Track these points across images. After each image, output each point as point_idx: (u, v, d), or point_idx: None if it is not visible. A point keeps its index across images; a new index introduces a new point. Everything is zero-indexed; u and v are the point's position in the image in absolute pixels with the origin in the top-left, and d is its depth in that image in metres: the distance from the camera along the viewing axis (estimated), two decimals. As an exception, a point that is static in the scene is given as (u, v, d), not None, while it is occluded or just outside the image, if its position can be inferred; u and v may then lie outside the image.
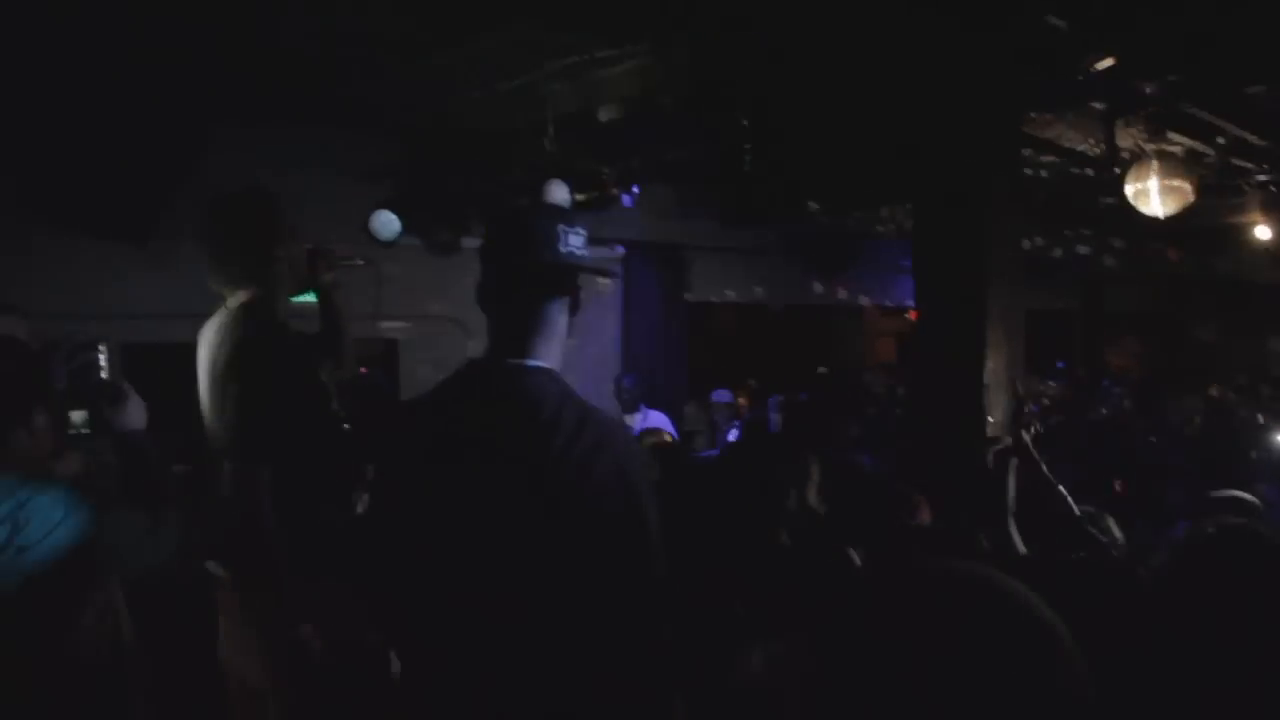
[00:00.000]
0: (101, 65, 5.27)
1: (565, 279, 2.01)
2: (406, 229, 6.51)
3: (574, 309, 2.05)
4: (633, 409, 7.93)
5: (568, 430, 1.84)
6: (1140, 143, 6.84)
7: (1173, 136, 6.90)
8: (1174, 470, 5.47)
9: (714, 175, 5.65)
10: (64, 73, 5.19)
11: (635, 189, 6.56)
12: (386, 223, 6.48)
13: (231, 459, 2.87)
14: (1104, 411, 7.57)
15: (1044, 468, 3.68)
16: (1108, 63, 4.00)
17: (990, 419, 4.77)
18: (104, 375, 3.49)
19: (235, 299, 3.02)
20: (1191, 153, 7.29)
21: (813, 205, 5.19)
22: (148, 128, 5.86)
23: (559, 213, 2.20)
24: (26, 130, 5.43)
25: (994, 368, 4.80)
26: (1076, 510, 3.70)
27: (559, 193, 5.70)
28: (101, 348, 3.37)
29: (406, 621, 2.00)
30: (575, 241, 1.99)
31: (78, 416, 3.58)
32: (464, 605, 1.86)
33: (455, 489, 1.87)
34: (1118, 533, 3.78)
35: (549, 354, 1.99)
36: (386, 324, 7.43)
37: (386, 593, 2.06)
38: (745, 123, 4.93)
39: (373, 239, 6.43)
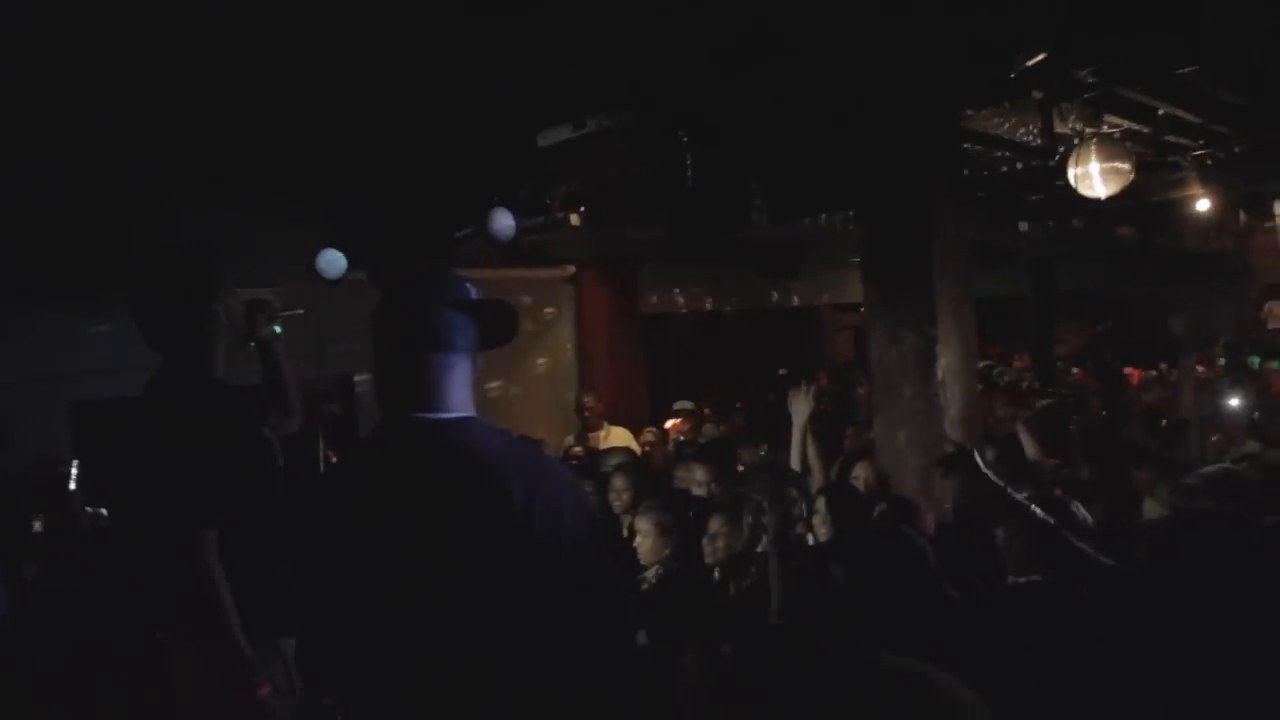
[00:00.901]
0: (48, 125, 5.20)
1: (458, 334, 1.99)
2: (353, 266, 6.44)
3: (475, 369, 2.04)
4: (596, 427, 7.90)
5: (525, 482, 1.84)
6: (1077, 127, 6.93)
7: (1109, 119, 7.00)
8: (1137, 450, 5.50)
9: (658, 190, 5.64)
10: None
11: (582, 208, 6.52)
12: (332, 261, 6.41)
13: (174, 523, 2.79)
14: (1063, 393, 7.64)
15: (995, 481, 3.65)
16: (1039, 58, 4.01)
17: (949, 413, 4.80)
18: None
19: (171, 358, 2.96)
20: (1128, 133, 7.39)
21: (757, 216, 5.16)
22: (91, 183, 5.79)
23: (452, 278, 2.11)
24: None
25: (946, 363, 4.82)
26: (1042, 515, 3.68)
27: (504, 220, 5.67)
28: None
29: (367, 684, 1.94)
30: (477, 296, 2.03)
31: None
32: (433, 665, 1.83)
33: (414, 552, 1.85)
34: (1085, 515, 3.79)
35: (464, 402, 1.99)
36: (340, 362, 7.33)
37: (343, 661, 2.00)
38: (684, 138, 4.91)
39: (319, 278, 6.37)
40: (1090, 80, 5.78)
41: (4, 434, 5.65)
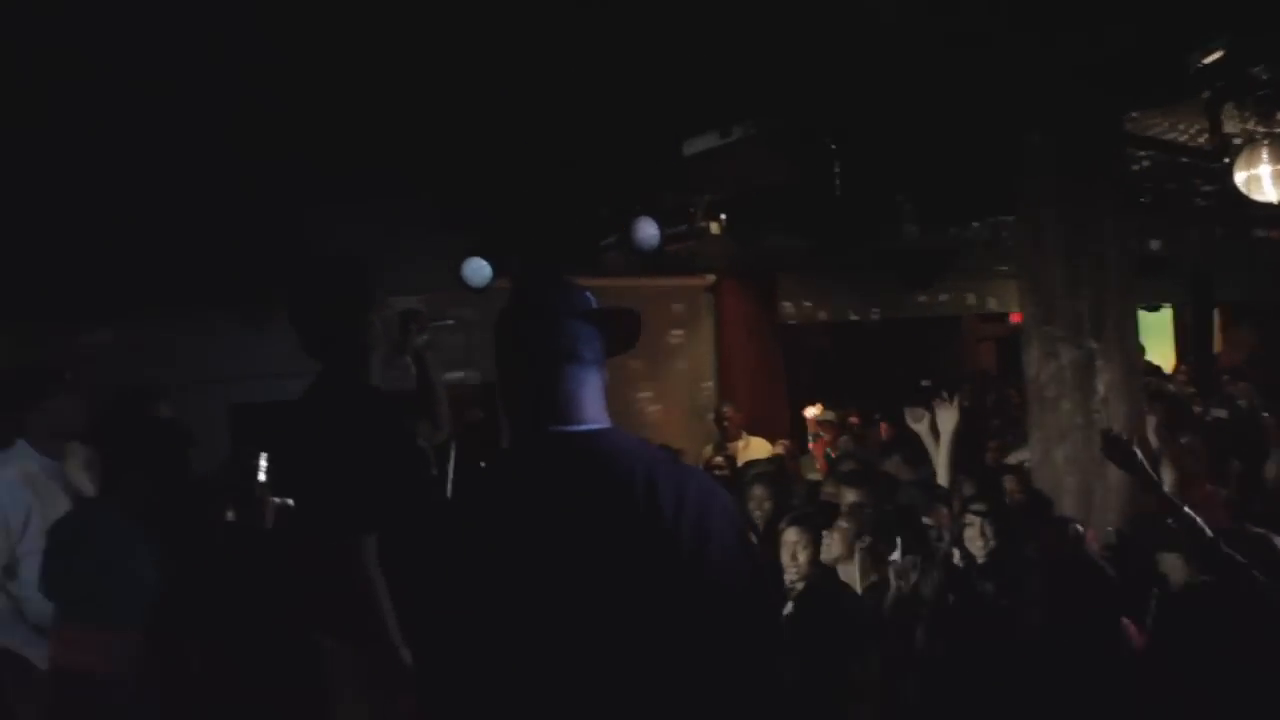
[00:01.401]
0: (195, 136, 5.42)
1: (587, 345, 1.94)
2: (498, 273, 6.53)
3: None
4: (735, 437, 7.85)
5: (669, 496, 1.79)
6: (1248, 127, 6.56)
7: (1280, 119, 6.62)
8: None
9: (801, 199, 5.57)
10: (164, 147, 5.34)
11: (723, 217, 6.49)
12: (478, 269, 6.51)
13: (334, 529, 2.85)
14: (1223, 413, 7.21)
15: (1150, 475, 3.49)
16: (1216, 55, 3.80)
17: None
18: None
19: (328, 365, 3.03)
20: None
21: (907, 225, 5.03)
22: (246, 192, 6.03)
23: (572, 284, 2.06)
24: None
25: (1109, 378, 4.61)
26: (1209, 532, 3.49)
27: (648, 229, 5.67)
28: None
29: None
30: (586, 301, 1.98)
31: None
32: (586, 684, 1.77)
33: (562, 573, 1.78)
34: None
35: (600, 413, 1.93)
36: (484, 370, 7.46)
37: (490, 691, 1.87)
38: (832, 146, 4.82)
39: (465, 286, 6.48)
40: (1265, 77, 5.50)
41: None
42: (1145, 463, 3.40)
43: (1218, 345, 12.70)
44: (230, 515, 3.44)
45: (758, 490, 5.34)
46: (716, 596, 1.77)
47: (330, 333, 3.02)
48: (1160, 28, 3.85)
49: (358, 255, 3.36)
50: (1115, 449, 3.43)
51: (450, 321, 3.69)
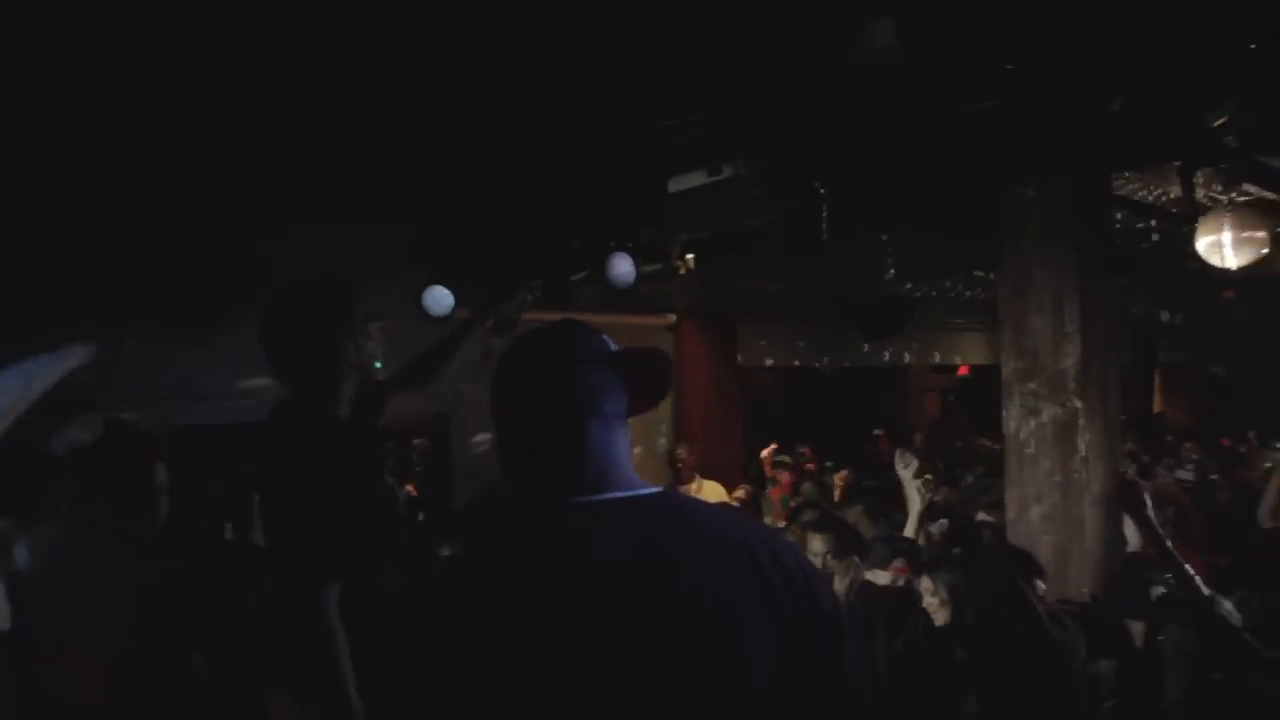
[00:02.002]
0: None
1: (613, 396, 1.63)
2: (459, 303, 6.35)
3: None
4: (688, 479, 7.71)
5: (775, 570, 1.49)
6: (1211, 194, 6.66)
7: (1244, 187, 6.73)
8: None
9: (777, 242, 5.49)
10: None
11: (689, 256, 6.39)
12: (439, 298, 6.33)
13: (293, 573, 2.63)
14: (1188, 475, 7.28)
15: (1158, 530, 3.46)
16: (1223, 120, 3.79)
17: (1090, 491, 4.54)
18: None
19: (297, 391, 2.83)
20: (1260, 201, 7.11)
21: (890, 274, 4.98)
22: (196, 205, 5.79)
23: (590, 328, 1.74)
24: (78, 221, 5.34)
25: (1090, 439, 4.57)
26: (1205, 590, 3.47)
27: (623, 265, 5.54)
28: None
29: None
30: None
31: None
32: None
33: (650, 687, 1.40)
34: (1231, 609, 3.53)
35: (635, 475, 1.60)
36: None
37: None
38: (821, 190, 4.75)
39: (426, 315, 6.29)
40: (1235, 146, 5.57)
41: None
42: (1153, 516, 3.36)
43: (1157, 406, 12.94)
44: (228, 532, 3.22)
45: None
46: (838, 673, 1.49)
47: (304, 357, 2.83)
48: (1167, 90, 3.82)
49: (339, 275, 3.16)
50: (1129, 497, 3.39)
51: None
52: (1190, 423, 11.82)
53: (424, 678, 1.46)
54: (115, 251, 5.65)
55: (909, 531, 5.05)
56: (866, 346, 10.53)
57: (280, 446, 2.77)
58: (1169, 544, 3.45)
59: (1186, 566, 3.34)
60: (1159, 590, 3.96)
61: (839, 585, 4.36)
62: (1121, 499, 3.49)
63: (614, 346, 1.66)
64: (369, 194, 6.13)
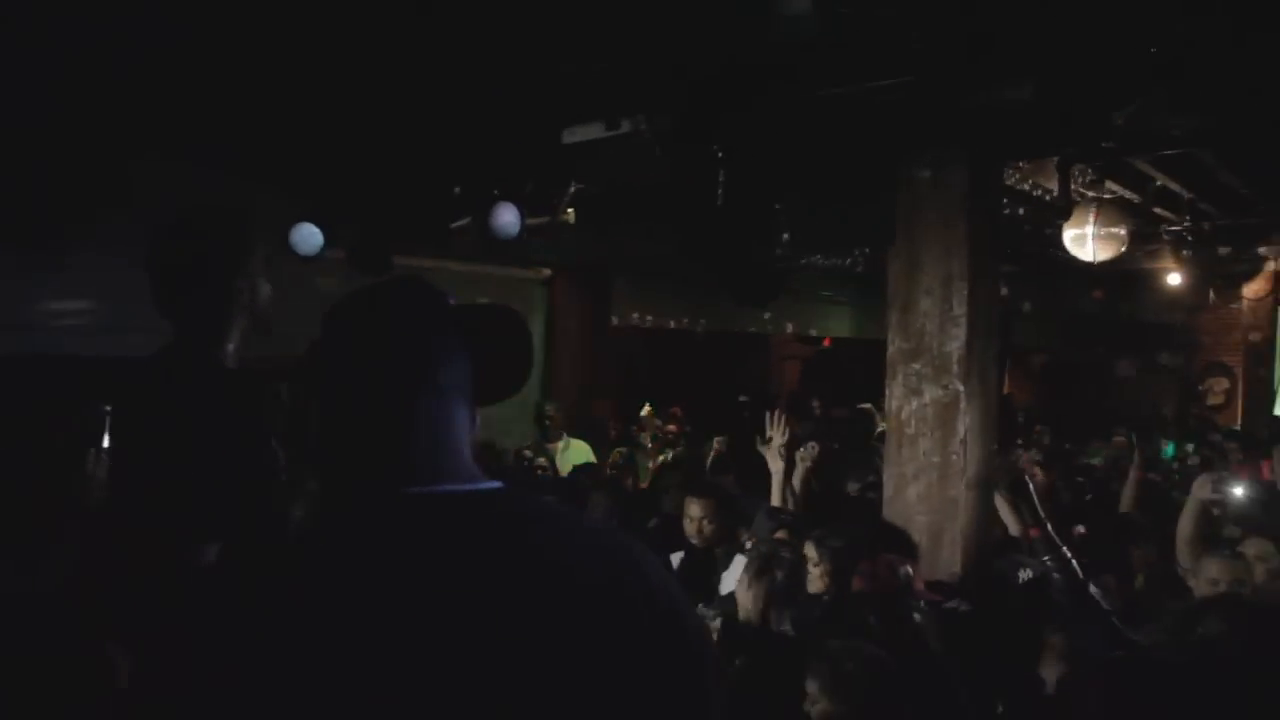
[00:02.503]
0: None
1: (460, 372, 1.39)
2: (330, 243, 6.03)
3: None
4: (556, 438, 7.59)
5: (630, 592, 1.25)
6: (1079, 189, 6.86)
7: (1109, 184, 6.95)
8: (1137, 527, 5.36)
9: (670, 202, 5.39)
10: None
11: (571, 210, 6.22)
12: (307, 236, 5.99)
13: (171, 531, 2.39)
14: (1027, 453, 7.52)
15: (1041, 515, 3.55)
16: (1128, 109, 3.84)
17: (966, 473, 4.60)
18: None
19: (180, 335, 2.58)
20: (1119, 200, 7.37)
21: (781, 247, 4.92)
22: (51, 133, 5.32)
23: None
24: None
25: (971, 421, 4.63)
26: (1081, 574, 3.55)
27: (507, 215, 5.33)
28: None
29: None
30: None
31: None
32: None
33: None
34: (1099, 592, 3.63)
35: (475, 467, 1.35)
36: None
37: None
38: (720, 154, 4.65)
39: (292, 253, 5.95)
40: (1108, 145, 5.73)
41: None
42: (1036, 500, 3.44)
43: (1006, 387, 13.45)
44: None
45: (598, 499, 5.13)
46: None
47: (191, 286, 2.58)
48: (1073, 84, 3.84)
49: (240, 207, 2.90)
50: (1017, 481, 3.48)
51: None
52: (1033, 405, 12.34)
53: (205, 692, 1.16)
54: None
55: (774, 500, 5.02)
56: (745, 320, 10.59)
57: (160, 390, 2.53)
58: (1049, 527, 3.53)
59: (1065, 549, 3.42)
60: (1027, 574, 4.04)
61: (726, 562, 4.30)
62: (1010, 483, 3.54)
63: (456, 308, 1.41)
64: (233, 120, 5.75)
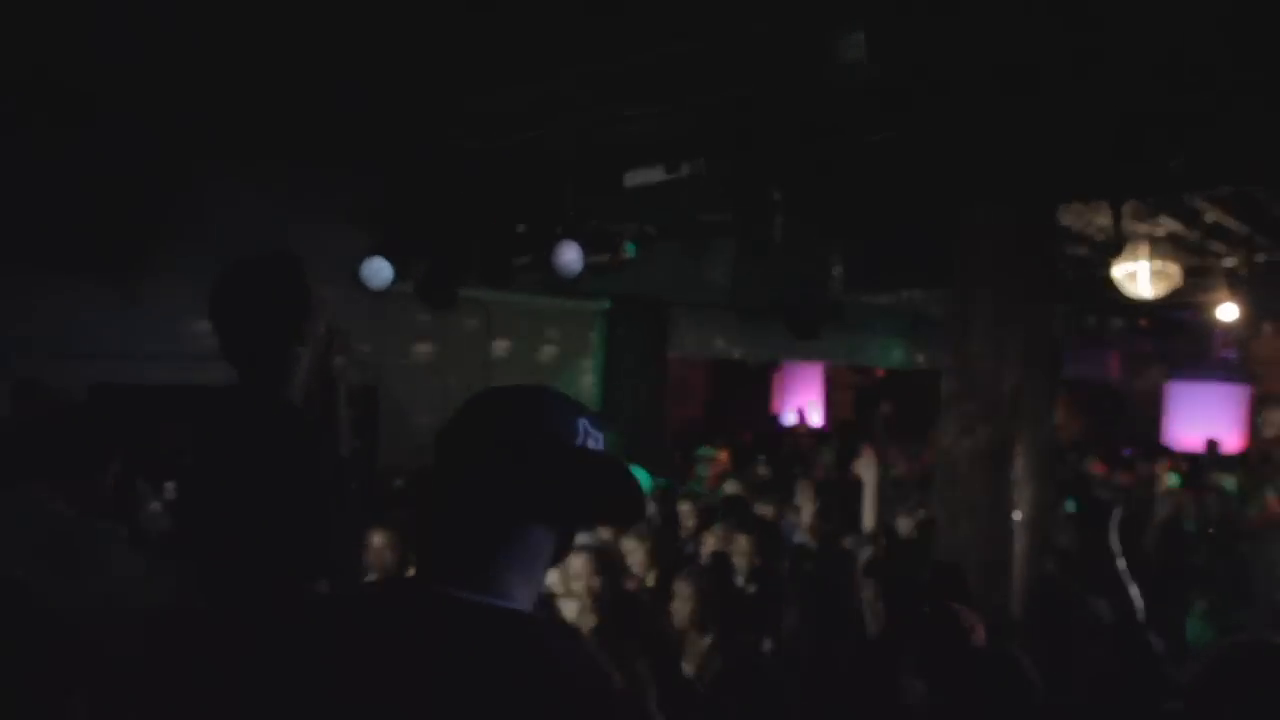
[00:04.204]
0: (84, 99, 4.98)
1: (573, 502, 1.42)
2: (399, 277, 6.24)
3: (563, 548, 1.46)
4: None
5: None
6: (1131, 225, 6.90)
7: (1161, 221, 6.99)
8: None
9: (727, 238, 5.53)
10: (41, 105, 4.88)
11: (629, 244, 6.38)
12: (378, 270, 6.20)
13: (277, 575, 2.54)
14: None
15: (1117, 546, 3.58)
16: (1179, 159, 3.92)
17: (1016, 515, 4.67)
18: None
19: (246, 377, 2.73)
20: (1172, 235, 7.40)
21: (834, 284, 5.04)
22: (127, 164, 5.56)
23: (574, 405, 1.50)
24: None
25: (1024, 462, 4.70)
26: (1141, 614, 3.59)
27: (570, 254, 5.50)
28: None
29: None
30: (594, 445, 1.44)
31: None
32: None
33: None
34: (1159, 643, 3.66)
35: (523, 593, 1.39)
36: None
37: None
38: (776, 196, 4.78)
39: (362, 287, 6.17)
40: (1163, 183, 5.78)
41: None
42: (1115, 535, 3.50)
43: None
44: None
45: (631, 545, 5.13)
46: None
47: (260, 340, 2.74)
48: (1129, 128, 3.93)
49: (292, 253, 3.07)
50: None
51: (366, 348, 3.36)
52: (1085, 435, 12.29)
53: None
54: (23, 187, 5.39)
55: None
56: (794, 346, 10.68)
57: (235, 431, 2.68)
58: (1123, 563, 3.58)
59: (1133, 589, 3.45)
60: (1079, 613, 4.10)
61: None
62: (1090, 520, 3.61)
63: (590, 430, 1.43)
64: (308, 155, 5.98)
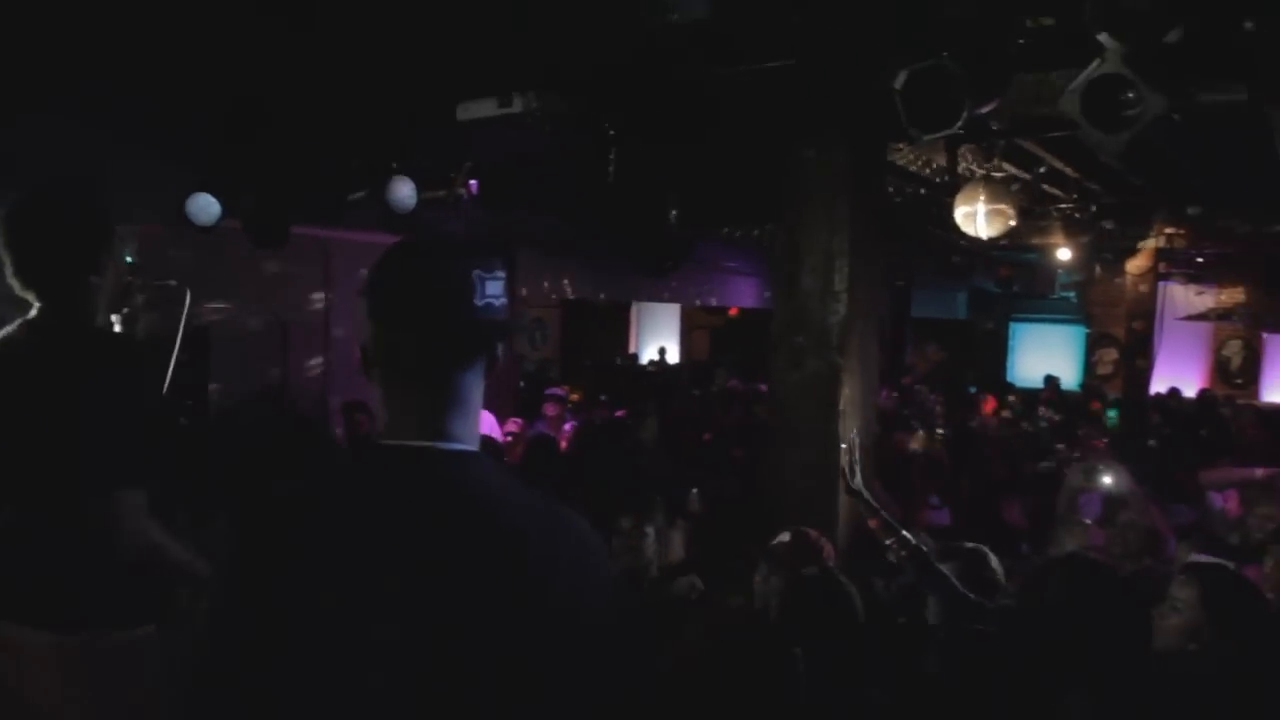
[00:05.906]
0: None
1: (485, 341, 1.59)
2: (227, 213, 6.00)
3: (490, 371, 1.63)
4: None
5: (541, 543, 1.51)
6: (970, 166, 7.09)
7: (998, 163, 7.19)
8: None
9: (564, 178, 5.47)
10: None
11: (473, 183, 6.27)
12: (204, 206, 5.95)
13: (88, 487, 2.44)
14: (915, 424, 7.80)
15: (881, 513, 3.71)
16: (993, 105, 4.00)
17: (843, 446, 4.78)
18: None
19: (41, 309, 2.60)
20: (1009, 178, 7.62)
21: (672, 220, 5.04)
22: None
23: (472, 253, 1.63)
24: None
25: (848, 393, 4.80)
26: (924, 549, 3.70)
27: (403, 189, 5.37)
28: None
29: None
30: (493, 290, 1.58)
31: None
32: None
33: (387, 618, 1.45)
34: (997, 566, 3.78)
35: (469, 434, 1.58)
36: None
37: None
38: (611, 131, 4.74)
39: (190, 223, 5.91)
40: (996, 127, 5.95)
41: None
42: (866, 494, 3.64)
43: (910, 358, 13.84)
44: None
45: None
46: (572, 680, 1.49)
47: (56, 266, 2.61)
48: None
49: (87, 177, 2.92)
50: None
51: (173, 283, 3.23)
52: (935, 372, 12.72)
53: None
54: None
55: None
56: (655, 285, 10.70)
57: (38, 357, 2.55)
58: (884, 515, 3.72)
59: (904, 533, 3.60)
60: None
61: None
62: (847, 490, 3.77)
63: (491, 288, 1.59)
64: (128, 87, 5.67)
